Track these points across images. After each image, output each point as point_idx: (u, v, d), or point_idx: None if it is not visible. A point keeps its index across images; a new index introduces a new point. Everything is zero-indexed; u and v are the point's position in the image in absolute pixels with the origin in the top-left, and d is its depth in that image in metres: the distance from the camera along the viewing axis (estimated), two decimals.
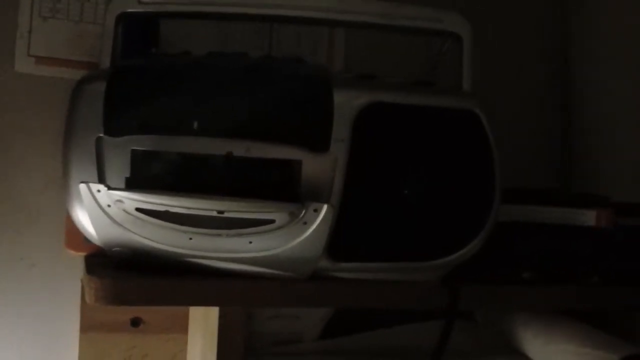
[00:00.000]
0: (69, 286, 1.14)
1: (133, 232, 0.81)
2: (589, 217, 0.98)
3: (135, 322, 1.13)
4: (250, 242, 0.82)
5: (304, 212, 0.81)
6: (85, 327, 1.12)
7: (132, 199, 0.79)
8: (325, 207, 0.81)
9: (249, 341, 1.01)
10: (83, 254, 0.98)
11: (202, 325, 0.99)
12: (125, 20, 0.88)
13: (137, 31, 0.99)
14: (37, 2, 1.13)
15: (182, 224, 0.80)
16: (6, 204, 1.14)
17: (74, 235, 0.96)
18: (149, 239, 0.81)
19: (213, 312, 0.90)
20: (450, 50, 0.92)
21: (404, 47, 1.20)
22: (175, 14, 0.92)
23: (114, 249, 0.83)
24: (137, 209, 0.80)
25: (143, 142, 0.81)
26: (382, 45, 1.21)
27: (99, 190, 0.80)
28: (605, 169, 1.34)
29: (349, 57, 1.27)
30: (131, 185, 0.81)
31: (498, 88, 1.27)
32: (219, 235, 0.81)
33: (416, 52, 1.19)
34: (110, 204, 0.80)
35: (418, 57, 1.20)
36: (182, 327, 1.13)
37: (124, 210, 0.80)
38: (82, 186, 0.80)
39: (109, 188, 0.80)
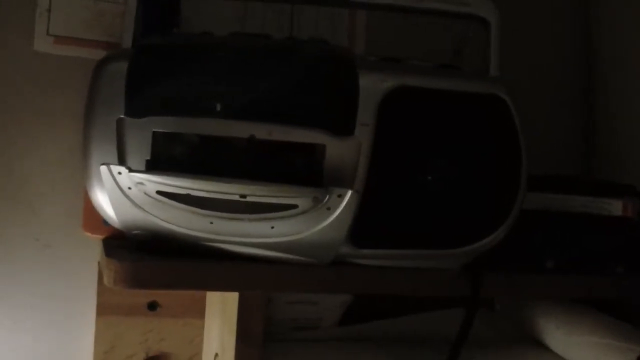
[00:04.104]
0: (84, 268, 1.13)
1: (153, 215, 0.80)
2: (615, 207, 0.97)
3: (152, 306, 1.13)
4: (273, 227, 0.80)
5: (327, 197, 0.79)
6: (102, 310, 1.11)
7: (153, 182, 0.78)
8: (349, 192, 0.80)
9: (267, 326, 1.00)
10: (100, 236, 0.97)
11: (221, 310, 0.98)
12: (148, 1, 0.87)
13: (158, 11, 0.97)
14: None
15: (203, 207, 0.79)
16: (21, 184, 1.13)
17: (92, 218, 0.95)
18: (169, 222, 0.80)
19: (232, 297, 0.89)
20: (475, 34, 0.91)
21: (425, 32, 1.19)
22: None
23: (133, 232, 0.82)
24: (158, 192, 0.79)
25: (164, 124, 0.80)
26: (403, 29, 1.19)
27: (119, 172, 0.79)
28: (630, 155, 1.33)
29: (369, 41, 1.26)
30: (152, 167, 0.79)
31: (521, 74, 1.25)
32: (241, 219, 0.80)
33: (437, 37, 1.18)
34: (130, 186, 0.79)
35: (439, 41, 1.19)
36: (200, 311, 1.13)
37: (145, 193, 0.79)
38: (103, 168, 0.79)
39: (130, 170, 0.79)
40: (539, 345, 1.09)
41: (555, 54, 1.42)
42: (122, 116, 0.80)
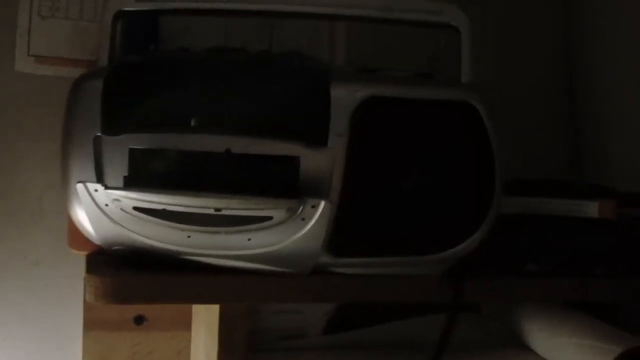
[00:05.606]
0: (73, 284, 1.14)
1: (131, 231, 0.81)
2: (591, 209, 0.97)
3: (139, 320, 1.14)
4: (249, 239, 0.81)
5: (301, 208, 0.80)
6: (89, 325, 1.12)
7: (130, 198, 0.79)
8: (323, 203, 0.80)
9: (253, 337, 1.01)
10: (85, 252, 0.98)
11: (205, 321, 0.99)
12: (123, 18, 0.88)
13: (136, 28, 0.99)
14: (37, 1, 1.13)
15: (180, 222, 0.80)
16: (9, 202, 1.15)
17: (76, 234, 0.96)
18: (147, 237, 0.81)
19: (214, 308, 0.90)
20: (451, 43, 0.92)
21: (406, 40, 1.19)
22: (173, 11, 0.92)
23: (113, 248, 0.83)
24: (135, 208, 0.80)
25: (141, 141, 0.81)
26: (385, 38, 1.20)
27: (96, 190, 0.80)
28: (615, 156, 1.33)
29: (351, 51, 1.26)
30: (130, 184, 0.80)
31: (505, 79, 1.27)
32: (218, 232, 0.81)
33: (419, 45, 1.19)
34: (108, 203, 0.80)
35: (421, 50, 1.19)
36: (186, 324, 1.13)
37: (122, 209, 0.80)
38: (80, 186, 0.80)
39: (106, 187, 0.80)
40: (524, 347, 1.09)
41: (539, 58, 1.42)
42: (98, 134, 0.81)
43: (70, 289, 1.15)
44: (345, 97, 0.83)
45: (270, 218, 0.80)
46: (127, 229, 0.81)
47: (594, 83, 1.39)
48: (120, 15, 0.87)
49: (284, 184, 0.81)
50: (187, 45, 0.90)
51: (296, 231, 0.81)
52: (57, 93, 1.09)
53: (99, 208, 0.80)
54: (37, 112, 1.14)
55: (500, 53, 1.27)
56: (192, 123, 0.81)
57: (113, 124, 0.81)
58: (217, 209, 0.79)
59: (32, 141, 1.15)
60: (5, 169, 1.15)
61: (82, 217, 0.82)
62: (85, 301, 1.11)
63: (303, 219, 0.81)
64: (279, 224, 0.81)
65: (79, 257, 1.04)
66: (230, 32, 1.20)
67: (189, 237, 0.81)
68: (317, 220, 0.81)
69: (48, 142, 1.14)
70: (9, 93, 1.14)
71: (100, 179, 0.81)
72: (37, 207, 1.16)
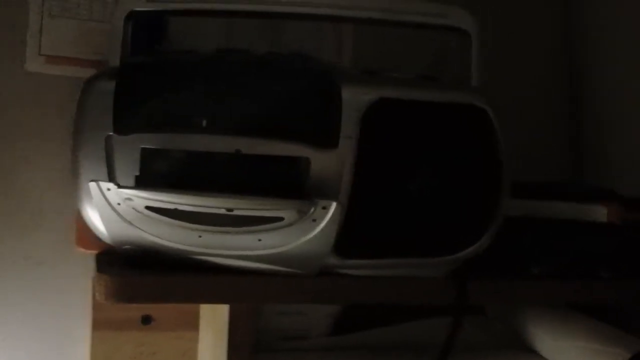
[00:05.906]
0: (76, 284, 1.14)
1: (143, 230, 0.82)
2: (599, 213, 0.97)
3: (146, 320, 1.14)
4: (260, 240, 0.82)
5: (312, 209, 0.81)
6: (97, 325, 1.12)
7: (142, 197, 0.80)
8: (334, 204, 0.81)
9: (257, 337, 1.01)
10: (94, 252, 0.98)
11: (212, 322, 1.00)
12: (134, 19, 0.88)
13: (144, 28, 0.99)
14: (47, 1, 1.14)
15: (191, 221, 0.81)
16: (11, 202, 1.15)
17: (85, 234, 0.96)
18: (158, 236, 0.82)
19: (222, 309, 0.91)
20: (457, 45, 0.92)
21: (410, 43, 1.20)
22: (183, 12, 0.92)
23: (124, 247, 0.84)
24: (147, 207, 0.80)
25: (152, 140, 0.81)
26: (388, 41, 1.21)
27: (108, 189, 0.80)
28: (616, 156, 1.33)
29: (357, 52, 1.27)
30: (141, 183, 0.81)
31: (505, 79, 1.27)
32: (228, 232, 0.81)
33: (422, 48, 1.19)
34: (120, 202, 0.81)
35: (427, 52, 1.20)
36: (192, 324, 1.14)
37: (134, 209, 0.81)
38: (92, 184, 0.81)
39: (119, 186, 0.80)
40: (529, 350, 1.09)
41: (539, 58, 1.42)
42: (110, 133, 0.81)
43: (71, 289, 1.15)
44: (355, 99, 0.83)
45: (281, 219, 0.81)
46: (139, 228, 0.81)
47: (594, 83, 1.39)
48: (131, 15, 0.88)
49: (294, 185, 0.82)
50: (186, 46, 0.90)
51: (307, 232, 0.82)
52: (65, 92, 1.11)
53: (111, 207, 0.81)
54: (43, 111, 1.14)
55: (500, 53, 1.27)
56: (203, 124, 0.81)
57: (124, 123, 0.81)
58: (228, 209, 0.80)
59: (37, 140, 1.15)
60: (5, 169, 1.15)
61: (94, 215, 0.82)
62: (93, 300, 1.11)
63: (314, 220, 0.81)
64: (290, 224, 0.81)
65: (80, 257, 1.04)
66: (232, 33, 1.20)
67: (200, 236, 0.82)
68: (327, 222, 0.81)
69: (53, 141, 1.14)
70: (19, 92, 1.13)
71: (111, 178, 0.81)
72: (37, 207, 1.15)
